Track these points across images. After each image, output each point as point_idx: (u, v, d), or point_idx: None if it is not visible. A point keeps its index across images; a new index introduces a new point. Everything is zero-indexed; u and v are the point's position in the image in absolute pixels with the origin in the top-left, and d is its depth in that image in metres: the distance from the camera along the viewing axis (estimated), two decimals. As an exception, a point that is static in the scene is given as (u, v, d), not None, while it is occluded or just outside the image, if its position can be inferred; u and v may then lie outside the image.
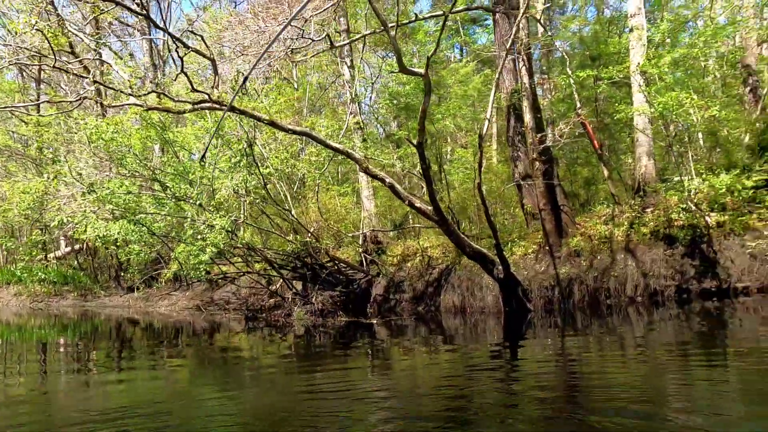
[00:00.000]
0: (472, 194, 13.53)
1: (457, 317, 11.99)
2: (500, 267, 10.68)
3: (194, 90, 9.72)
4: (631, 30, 12.60)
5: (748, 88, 12.93)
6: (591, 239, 11.08)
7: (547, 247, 11.30)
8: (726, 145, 11.22)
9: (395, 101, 16.61)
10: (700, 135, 11.35)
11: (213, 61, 9.97)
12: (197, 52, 11.02)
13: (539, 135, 11.53)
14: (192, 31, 12.33)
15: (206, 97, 9.72)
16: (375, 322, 12.46)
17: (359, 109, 16.75)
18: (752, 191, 10.03)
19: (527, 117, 11.77)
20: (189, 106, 10.14)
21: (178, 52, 10.16)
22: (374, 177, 11.30)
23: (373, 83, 17.77)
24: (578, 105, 13.11)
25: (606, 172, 12.09)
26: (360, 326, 11.85)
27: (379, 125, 19.39)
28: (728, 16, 14.45)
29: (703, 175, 10.07)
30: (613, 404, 3.98)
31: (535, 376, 5.69)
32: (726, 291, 9.74)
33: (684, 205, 10.05)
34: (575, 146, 15.37)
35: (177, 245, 13.67)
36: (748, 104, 12.95)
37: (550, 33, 16.70)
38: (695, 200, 10.05)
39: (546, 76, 18.97)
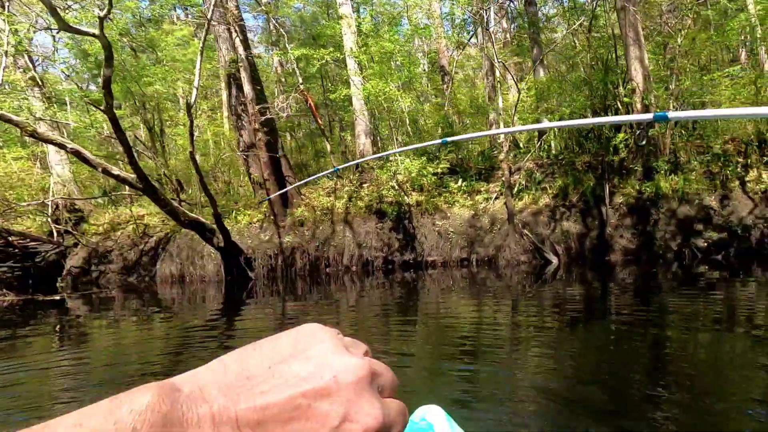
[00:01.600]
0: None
1: (175, 287, 11.32)
2: (220, 236, 10.42)
3: None
4: (340, 18, 13.43)
5: (445, 85, 15.18)
6: (315, 210, 11.60)
7: (272, 217, 11.44)
8: (423, 134, 13.03)
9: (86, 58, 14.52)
10: (407, 121, 12.85)
11: None
12: None
13: (259, 107, 11.58)
14: None
15: None
16: (62, 297, 10.76)
17: (32, 63, 14.14)
18: (438, 177, 11.67)
19: (247, 88, 11.69)
20: None
21: None
22: (47, 141, 9.96)
23: (54, 37, 14.97)
24: (300, 81, 13.53)
25: (329, 147, 12.76)
26: (44, 304, 10.05)
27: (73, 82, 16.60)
28: (428, 17, 16.69)
29: (404, 159, 11.39)
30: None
31: (251, 339, 5.72)
32: (420, 264, 11.25)
33: (391, 184, 11.27)
34: (310, 119, 15.82)
35: None
36: (444, 99, 15.17)
37: (263, 6, 16.75)
38: (399, 180, 11.33)
39: (276, 47, 19.06)
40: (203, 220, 10.59)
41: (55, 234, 13.63)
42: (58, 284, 12.81)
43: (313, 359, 0.35)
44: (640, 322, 5.77)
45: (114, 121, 8.76)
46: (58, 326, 7.49)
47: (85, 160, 9.58)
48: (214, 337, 6.15)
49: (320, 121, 13.05)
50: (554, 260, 10.77)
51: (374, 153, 12.49)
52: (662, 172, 10.75)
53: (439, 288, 10.02)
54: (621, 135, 10.76)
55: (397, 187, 11.26)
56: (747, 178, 10.78)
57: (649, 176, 10.98)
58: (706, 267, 10.92)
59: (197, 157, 10.83)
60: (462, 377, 3.79)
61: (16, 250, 13.30)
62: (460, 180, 11.87)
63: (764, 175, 10.75)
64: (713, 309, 6.35)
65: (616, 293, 8.56)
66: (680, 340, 4.72)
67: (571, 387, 3.49)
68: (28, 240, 13.55)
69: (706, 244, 11.59)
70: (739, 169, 10.83)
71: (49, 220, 13.75)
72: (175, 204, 10.40)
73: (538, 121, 11.45)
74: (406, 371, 3.98)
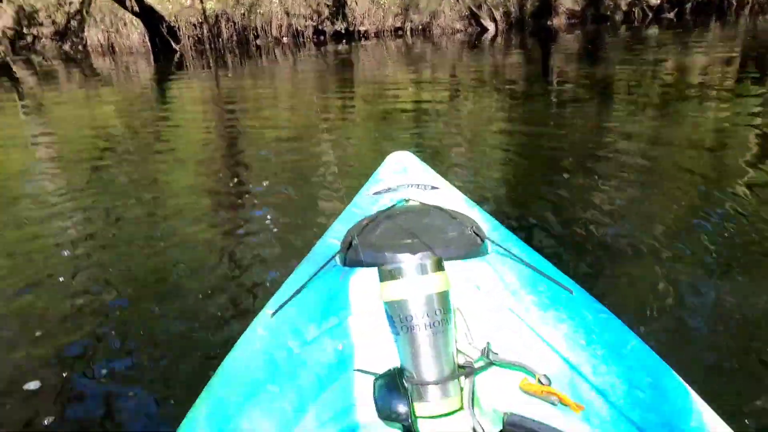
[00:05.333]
0: None
1: (107, 58, 11.22)
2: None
3: None
4: None
5: None
6: (235, -31, 10.61)
7: (191, -23, 10.59)
8: None
9: None
10: None
11: None
12: None
13: None
14: None
15: None
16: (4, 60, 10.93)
17: None
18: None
19: None
20: None
21: None
22: None
23: None
24: None
25: None
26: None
27: None
28: None
29: None
30: (266, 135, 4.65)
31: (199, 120, 5.88)
32: (352, 34, 10.70)
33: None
34: None
35: None
36: None
37: None
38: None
39: None
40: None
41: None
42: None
43: None
44: (582, 84, 6.08)
45: None
46: (17, 97, 7.94)
47: None
48: (152, 107, 6.73)
49: None
50: (491, 27, 10.33)
51: None
52: None
53: (375, 59, 9.93)
54: None
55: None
56: None
57: None
58: (657, 27, 10.34)
59: None
60: (417, 133, 4.13)
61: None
62: (395, -69, 10.42)
63: None
64: (660, 72, 6.54)
65: (558, 59, 8.56)
66: (622, 105, 4.99)
67: (515, 135, 3.94)
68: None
69: (658, 1, 10.86)
70: None
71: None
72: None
73: None
74: (365, 128, 4.29)
